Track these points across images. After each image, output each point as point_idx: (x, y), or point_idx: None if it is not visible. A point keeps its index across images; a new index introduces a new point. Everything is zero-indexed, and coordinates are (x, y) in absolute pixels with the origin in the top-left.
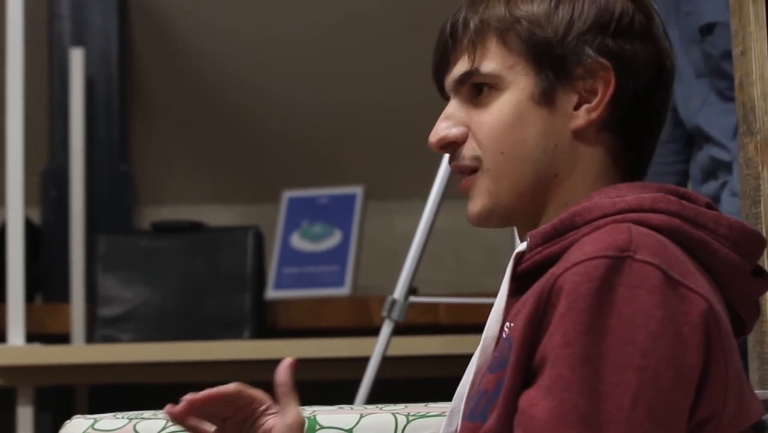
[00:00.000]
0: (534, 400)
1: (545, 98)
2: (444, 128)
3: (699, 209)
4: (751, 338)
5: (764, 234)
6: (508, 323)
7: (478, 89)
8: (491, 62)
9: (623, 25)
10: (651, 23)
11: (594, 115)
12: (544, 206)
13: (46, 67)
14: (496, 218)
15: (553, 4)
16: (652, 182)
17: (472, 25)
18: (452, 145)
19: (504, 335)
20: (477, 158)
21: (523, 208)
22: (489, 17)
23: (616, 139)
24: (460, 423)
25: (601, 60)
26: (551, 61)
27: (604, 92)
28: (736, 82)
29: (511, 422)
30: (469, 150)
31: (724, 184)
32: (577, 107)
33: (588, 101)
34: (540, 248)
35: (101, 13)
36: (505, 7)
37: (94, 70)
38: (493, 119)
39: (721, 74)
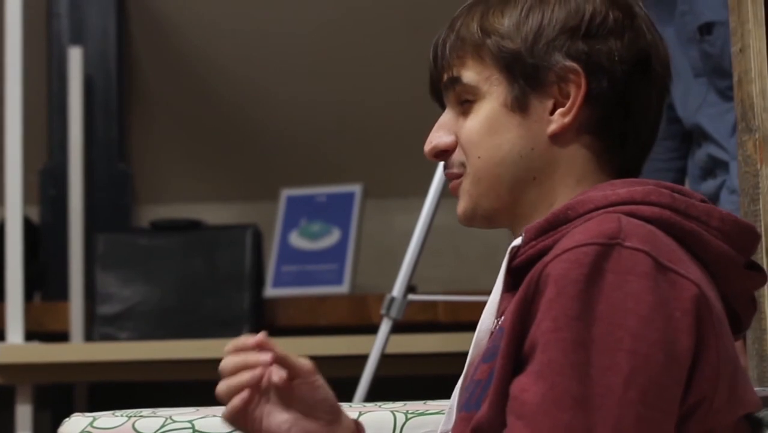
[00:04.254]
0: (525, 385)
1: (518, 105)
2: (436, 138)
3: (690, 201)
4: (750, 336)
5: (763, 231)
6: (502, 318)
7: (463, 101)
8: (468, 74)
9: (595, 24)
10: (631, 18)
11: (568, 118)
12: (527, 208)
13: (45, 65)
14: (479, 218)
15: (523, 14)
16: (648, 179)
17: (448, 44)
18: (444, 154)
19: (497, 327)
20: (462, 164)
21: (504, 210)
22: (463, 34)
23: (599, 140)
24: (455, 415)
25: (569, 64)
26: (522, 70)
27: (575, 95)
28: (735, 79)
29: (503, 409)
30: (457, 157)
31: (723, 183)
32: (552, 112)
33: (563, 105)
34: (534, 242)
35: (99, 11)
36: (478, 23)
37: (92, 69)
38: (472, 125)
39: (721, 73)
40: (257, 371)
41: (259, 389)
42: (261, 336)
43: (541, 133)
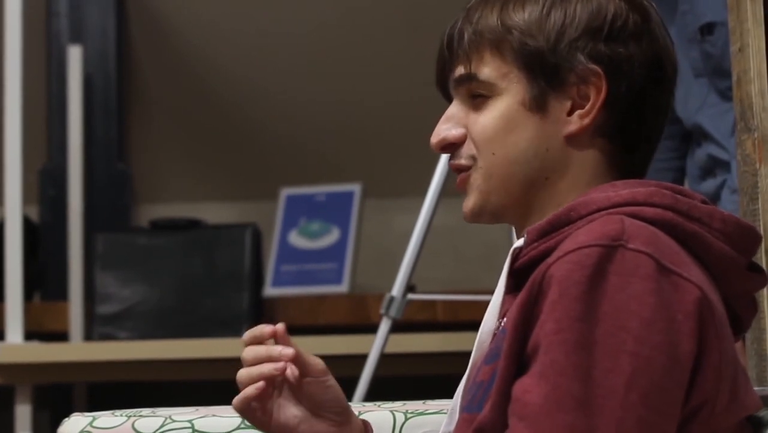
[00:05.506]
0: (528, 387)
1: (536, 105)
2: (444, 130)
3: (693, 203)
4: (749, 336)
5: (762, 230)
6: (504, 319)
7: (476, 96)
8: (486, 70)
9: (616, 27)
10: (648, 22)
11: (586, 121)
12: (536, 207)
13: (44, 64)
14: (487, 214)
15: (545, 10)
16: (650, 179)
17: (466, 36)
18: (452, 146)
19: (499, 328)
20: (473, 157)
21: (513, 207)
22: (482, 28)
23: (612, 143)
24: (457, 416)
25: (592, 66)
26: (543, 70)
27: (595, 98)
28: (734, 79)
29: (505, 410)
30: (466, 150)
31: (723, 183)
32: (570, 113)
33: (581, 107)
34: (536, 244)
35: (99, 10)
36: (498, 17)
37: (91, 68)
38: (486, 121)
39: (721, 74)
40: (279, 364)
41: (274, 382)
42: (280, 327)
43: (557, 133)
